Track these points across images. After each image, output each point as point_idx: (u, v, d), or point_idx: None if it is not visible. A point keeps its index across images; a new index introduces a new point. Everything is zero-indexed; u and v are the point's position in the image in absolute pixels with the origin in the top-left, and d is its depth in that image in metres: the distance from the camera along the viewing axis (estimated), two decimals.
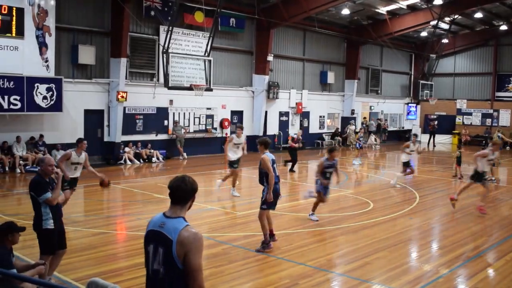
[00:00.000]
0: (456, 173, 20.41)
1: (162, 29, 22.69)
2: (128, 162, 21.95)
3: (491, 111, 38.75)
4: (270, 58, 27.63)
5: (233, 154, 15.15)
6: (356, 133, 33.92)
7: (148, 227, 4.00)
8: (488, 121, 38.56)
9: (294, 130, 30.63)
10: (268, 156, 9.48)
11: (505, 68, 38.29)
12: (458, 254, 9.82)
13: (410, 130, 40.29)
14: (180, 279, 3.76)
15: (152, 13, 22.57)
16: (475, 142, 36.16)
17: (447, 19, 32.77)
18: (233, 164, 15.18)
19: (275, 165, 9.56)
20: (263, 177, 9.56)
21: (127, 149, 22.21)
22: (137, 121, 23.07)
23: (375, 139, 34.67)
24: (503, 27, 35.51)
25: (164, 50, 20.46)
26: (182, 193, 3.91)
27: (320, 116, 33.16)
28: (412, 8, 31.18)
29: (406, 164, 18.33)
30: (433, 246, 10.80)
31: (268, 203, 9.46)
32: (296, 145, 21.36)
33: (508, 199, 16.30)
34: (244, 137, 16.03)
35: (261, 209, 9.58)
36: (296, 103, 30.70)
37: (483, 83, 39.33)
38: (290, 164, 21.31)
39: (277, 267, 8.69)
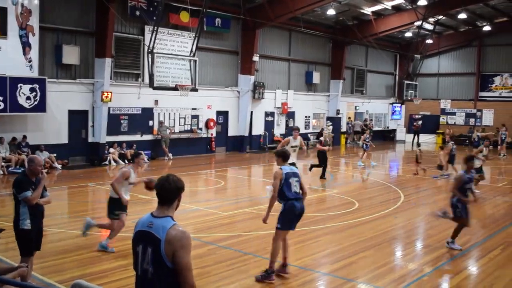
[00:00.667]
0: (417, 170, 21.08)
1: (147, 29, 22.59)
2: (113, 163, 21.82)
3: (474, 111, 39.12)
4: (255, 58, 27.64)
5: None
6: (359, 133, 34.19)
7: (136, 228, 4.01)
8: (472, 120, 38.92)
9: (279, 130, 30.75)
10: (282, 169, 8.08)
11: (488, 68, 38.66)
12: (442, 252, 9.90)
13: (394, 130, 40.64)
14: (170, 278, 3.77)
15: (137, 13, 22.46)
16: (458, 141, 36.42)
17: (431, 19, 33.06)
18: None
19: (292, 179, 8.04)
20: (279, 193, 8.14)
21: (111, 149, 22.08)
22: (122, 121, 22.94)
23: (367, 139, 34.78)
24: (487, 28, 35.86)
25: (149, 50, 20.38)
26: (167, 192, 3.94)
27: (306, 116, 33.23)
28: (397, 8, 31.37)
29: (478, 170, 16.77)
30: (418, 244, 10.88)
31: (284, 223, 8.03)
32: (326, 148, 19.18)
33: (491, 198, 16.46)
34: (300, 138, 15.73)
35: (276, 228, 8.14)
36: (282, 103, 30.74)
37: (467, 83, 39.67)
38: (315, 168, 19.38)
39: (262, 267, 8.66)
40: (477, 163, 16.41)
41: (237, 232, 10.86)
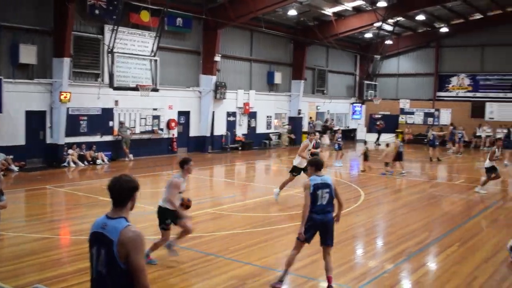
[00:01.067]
0: (364, 168, 21.87)
1: (107, 28, 22.24)
2: (72, 165, 21.41)
3: (432, 110, 39.98)
4: (217, 58, 27.56)
5: (303, 161, 14.34)
6: (325, 133, 34.54)
7: (91, 230, 3.97)
8: (430, 120, 39.77)
9: (242, 131, 30.77)
10: (311, 181, 7.60)
11: (445, 68, 39.56)
12: (401, 249, 10.08)
13: (355, 130, 41.17)
14: (123, 280, 3.74)
15: (97, 11, 22.06)
16: (417, 140, 37.21)
17: (390, 21, 33.61)
18: (299, 171, 14.62)
19: (320, 191, 7.59)
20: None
21: (70, 151, 21.65)
22: (81, 122, 22.53)
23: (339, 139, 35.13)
24: (444, 29, 36.71)
25: (109, 50, 20.11)
26: (118, 193, 3.89)
27: (268, 116, 33.33)
28: (357, 9, 31.79)
29: (490, 170, 17.02)
30: (378, 242, 11.05)
31: (299, 237, 7.70)
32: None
33: (449, 196, 16.86)
34: (315, 142, 15.69)
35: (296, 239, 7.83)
36: (244, 103, 30.76)
37: (425, 83, 40.50)
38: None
39: (225, 268, 8.67)
40: (488, 163, 17.07)
41: (199, 233, 10.80)
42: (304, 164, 14.05)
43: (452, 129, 32.45)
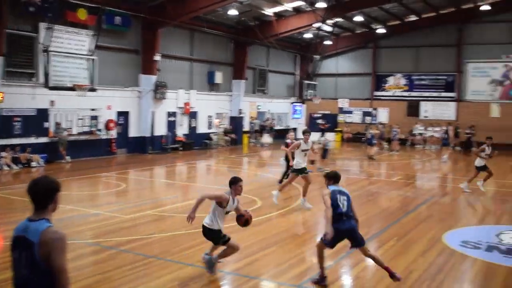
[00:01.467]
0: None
1: (42, 26, 21.50)
2: (5, 168, 20.58)
3: (370, 109, 40.98)
4: (157, 57, 27.20)
5: (301, 161, 14.21)
6: (259, 132, 34.72)
7: (13, 234, 3.91)
8: (368, 119, 40.74)
9: (182, 131, 30.50)
10: (329, 188, 8.02)
11: (382, 69, 40.63)
12: (342, 245, 10.21)
13: (295, 129, 41.58)
14: (45, 281, 3.71)
15: (31, 9, 21.26)
16: (356, 139, 38.06)
17: (330, 21, 34.18)
18: (303, 171, 14.25)
19: (339, 196, 7.88)
20: None
21: (4, 153, 20.81)
22: (15, 123, 21.69)
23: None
24: (381, 30, 37.69)
25: (45, 49, 19.48)
26: (37, 195, 3.85)
27: (209, 116, 33.19)
28: (297, 10, 32.14)
29: (481, 169, 17.05)
30: (318, 239, 11.18)
31: (325, 238, 7.88)
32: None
33: (386, 192, 17.31)
34: (311, 142, 14.98)
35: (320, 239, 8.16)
36: (184, 103, 30.51)
37: (364, 83, 41.45)
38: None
39: (166, 270, 8.56)
40: (479, 162, 16.99)
41: (139, 235, 10.62)
42: (302, 164, 14.09)
43: (382, 128, 33.64)
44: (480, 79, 36.88)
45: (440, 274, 8.56)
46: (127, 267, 8.64)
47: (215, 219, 8.04)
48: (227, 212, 8.14)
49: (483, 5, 33.10)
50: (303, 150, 14.26)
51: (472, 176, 17.42)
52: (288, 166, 16.54)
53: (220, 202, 8.00)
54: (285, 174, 17.16)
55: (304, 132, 14.89)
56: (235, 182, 8.11)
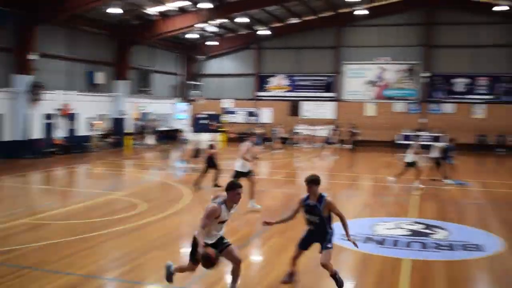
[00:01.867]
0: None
1: None
2: None
3: (254, 109, 41.75)
4: (33, 56, 25.71)
5: (246, 164, 14.01)
6: (140, 133, 33.98)
7: None
8: (252, 119, 41.47)
9: (61, 134, 29.11)
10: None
11: (265, 69, 41.57)
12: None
13: (178, 130, 41.30)
14: None
15: None
16: (240, 139, 38.54)
17: (214, 22, 34.34)
18: (249, 173, 14.04)
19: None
20: (325, 223, 7.99)
21: None
22: None
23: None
24: (264, 32, 38.50)
25: None
26: None
27: (89, 118, 31.93)
28: (182, 10, 31.94)
29: (410, 165, 18.31)
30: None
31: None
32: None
33: (270, 190, 17.68)
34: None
35: (326, 248, 7.95)
36: (63, 105, 29.13)
37: (247, 83, 42.15)
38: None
39: (43, 280, 8.09)
40: (409, 158, 18.30)
41: (12, 246, 9.96)
42: (246, 167, 13.99)
43: (261, 128, 34.77)
44: (356, 80, 39.02)
45: (320, 267, 8.85)
46: None
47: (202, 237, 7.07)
48: (221, 222, 7.14)
49: (357, 9, 35.03)
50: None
51: (400, 172, 18.73)
52: (209, 167, 17.38)
53: (217, 216, 7.02)
54: (216, 177, 17.25)
55: (250, 135, 15.60)
56: (232, 188, 7.00)
